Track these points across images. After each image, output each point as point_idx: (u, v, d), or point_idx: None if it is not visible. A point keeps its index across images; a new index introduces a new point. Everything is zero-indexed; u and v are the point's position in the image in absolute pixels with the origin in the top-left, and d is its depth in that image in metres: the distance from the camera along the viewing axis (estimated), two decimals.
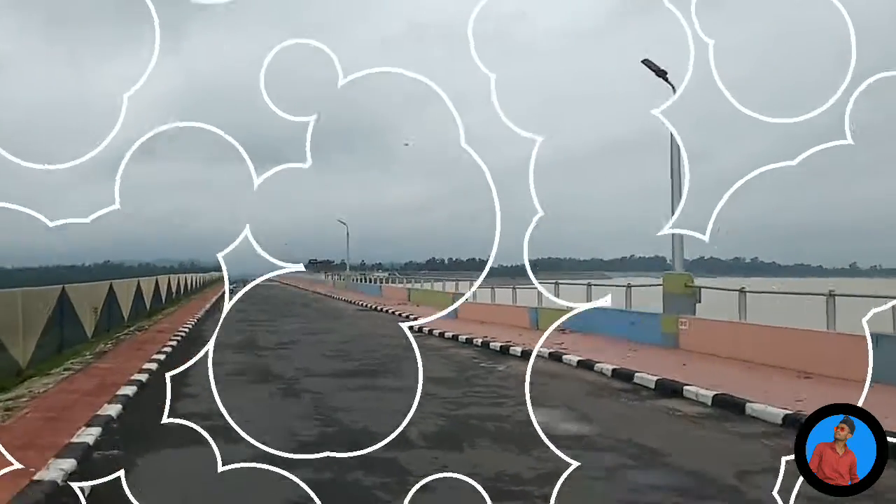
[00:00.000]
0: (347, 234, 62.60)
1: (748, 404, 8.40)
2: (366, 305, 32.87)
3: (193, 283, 49.91)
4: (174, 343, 16.20)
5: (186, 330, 19.81)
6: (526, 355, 13.42)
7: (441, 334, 18.05)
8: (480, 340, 16.34)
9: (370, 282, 53.89)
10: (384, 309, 29.29)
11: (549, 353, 13.08)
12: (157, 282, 29.12)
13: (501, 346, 15.20)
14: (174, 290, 35.86)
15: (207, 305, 30.58)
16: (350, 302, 36.46)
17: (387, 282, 55.83)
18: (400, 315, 25.28)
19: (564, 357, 12.86)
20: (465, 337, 17.14)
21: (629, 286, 16.90)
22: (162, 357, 13.57)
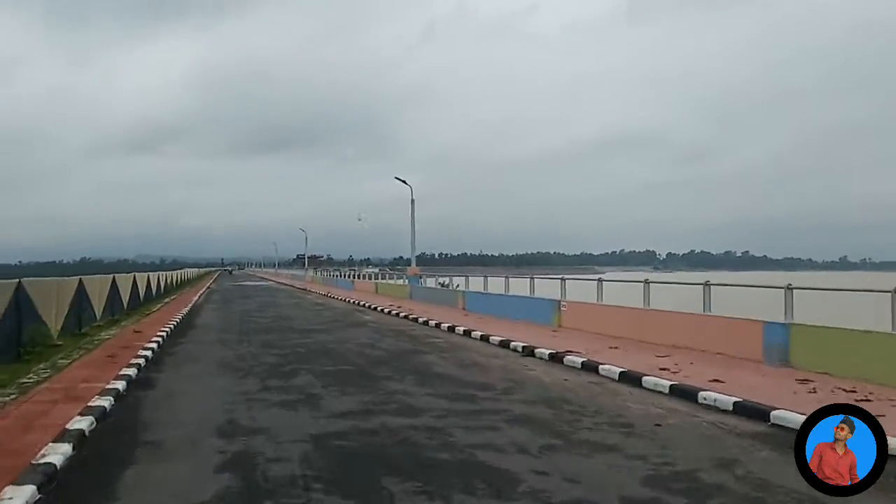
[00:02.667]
0: (413, 200, 35.06)
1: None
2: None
3: (167, 282, 41.81)
4: None
5: None
6: None
7: None
8: None
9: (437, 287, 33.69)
10: None
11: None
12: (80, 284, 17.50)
13: None
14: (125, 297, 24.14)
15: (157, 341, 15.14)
16: (527, 352, 13.49)
17: (378, 277, 46.48)
18: None
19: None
20: None
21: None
22: None
